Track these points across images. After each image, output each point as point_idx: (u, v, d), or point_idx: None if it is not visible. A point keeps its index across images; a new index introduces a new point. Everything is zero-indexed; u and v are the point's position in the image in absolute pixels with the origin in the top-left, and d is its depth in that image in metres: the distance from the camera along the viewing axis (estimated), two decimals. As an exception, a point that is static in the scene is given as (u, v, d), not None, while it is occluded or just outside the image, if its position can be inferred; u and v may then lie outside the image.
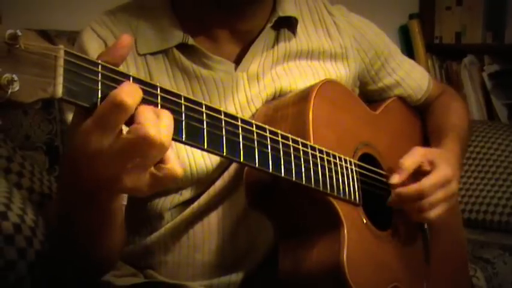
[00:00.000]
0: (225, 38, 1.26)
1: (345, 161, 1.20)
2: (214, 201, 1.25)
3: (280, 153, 1.05)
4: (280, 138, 1.06)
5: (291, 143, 1.08)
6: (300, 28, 1.32)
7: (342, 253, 1.13)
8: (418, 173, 1.29)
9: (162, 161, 0.83)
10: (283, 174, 1.05)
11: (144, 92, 0.82)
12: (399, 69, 1.52)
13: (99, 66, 0.80)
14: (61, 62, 0.76)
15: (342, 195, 1.17)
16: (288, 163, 1.06)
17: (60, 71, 0.76)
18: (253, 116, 1.25)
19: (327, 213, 1.17)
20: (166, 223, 1.27)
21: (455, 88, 1.76)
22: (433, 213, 1.29)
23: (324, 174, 1.13)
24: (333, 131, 1.23)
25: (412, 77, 1.55)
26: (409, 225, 1.35)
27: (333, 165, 1.16)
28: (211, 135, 0.91)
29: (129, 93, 0.78)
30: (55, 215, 1.12)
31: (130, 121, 0.80)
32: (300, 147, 1.10)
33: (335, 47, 1.38)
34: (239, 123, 0.97)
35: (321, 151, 1.14)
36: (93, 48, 1.21)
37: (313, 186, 1.11)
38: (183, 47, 1.23)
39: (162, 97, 0.85)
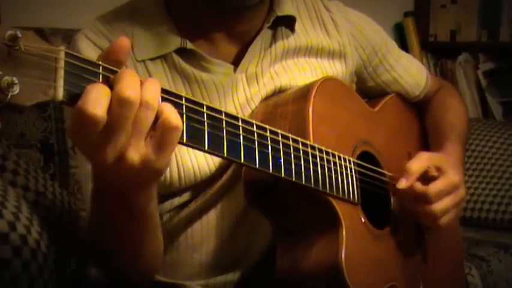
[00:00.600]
0: (222, 40, 1.25)
1: (344, 159, 1.20)
2: (212, 200, 1.25)
3: (280, 154, 1.04)
4: (280, 138, 1.05)
5: (291, 142, 1.08)
6: (297, 25, 1.32)
7: (340, 252, 1.13)
8: (425, 179, 1.29)
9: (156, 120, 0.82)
10: (283, 175, 1.05)
11: None
12: (397, 65, 1.52)
13: (100, 68, 0.79)
14: (62, 63, 0.75)
15: (340, 194, 1.17)
16: (287, 163, 1.06)
17: (61, 73, 0.75)
18: (252, 114, 1.24)
19: (325, 212, 1.16)
20: (165, 224, 1.27)
21: (451, 85, 1.78)
22: (444, 219, 1.29)
23: (323, 174, 1.13)
24: (332, 129, 1.22)
25: (410, 73, 1.55)
26: (407, 224, 1.35)
27: (332, 165, 1.16)
28: (212, 136, 0.90)
29: (96, 102, 0.76)
30: (89, 233, 1.12)
31: None
32: (300, 146, 1.09)
33: (333, 43, 1.38)
34: (240, 123, 0.97)
35: (320, 150, 1.14)
36: (91, 57, 1.19)
37: (312, 185, 1.11)
38: (181, 51, 1.22)
39: (162, 98, 0.84)
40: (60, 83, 0.75)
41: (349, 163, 1.21)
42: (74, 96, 0.76)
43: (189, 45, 1.20)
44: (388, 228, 1.31)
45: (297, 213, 1.19)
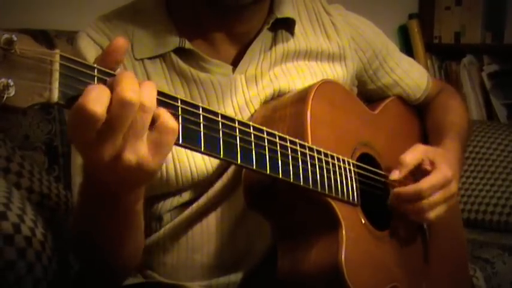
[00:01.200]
0: (221, 40, 1.26)
1: (343, 161, 1.20)
2: (213, 202, 1.25)
3: (277, 155, 1.05)
4: (277, 140, 1.06)
5: (288, 144, 1.08)
6: (297, 28, 1.32)
7: (340, 254, 1.13)
8: (419, 171, 1.29)
9: (153, 120, 0.82)
10: (281, 176, 1.05)
11: None
12: (397, 68, 1.52)
13: (95, 70, 0.80)
14: (57, 66, 0.76)
15: (340, 195, 1.17)
16: (285, 164, 1.06)
17: (56, 75, 0.76)
18: (251, 117, 1.24)
19: (325, 213, 1.17)
20: (166, 224, 1.28)
21: (455, 88, 1.77)
22: (433, 214, 1.29)
23: (322, 175, 1.13)
24: (331, 131, 1.23)
25: (411, 76, 1.55)
26: (408, 224, 1.35)
27: (331, 166, 1.16)
28: (208, 137, 0.91)
29: (97, 100, 0.77)
30: (75, 223, 1.13)
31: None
32: (298, 148, 1.10)
33: (333, 47, 1.38)
34: (236, 125, 0.97)
35: (318, 152, 1.14)
36: (91, 55, 1.20)
37: (311, 187, 1.11)
38: (180, 51, 1.22)
39: (158, 100, 0.85)
40: (56, 85, 0.76)
41: (348, 164, 1.22)
42: (69, 98, 0.77)
43: (188, 44, 1.21)
44: (389, 229, 1.31)
45: (296, 215, 1.20)
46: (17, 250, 1.20)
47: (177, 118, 0.86)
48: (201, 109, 0.91)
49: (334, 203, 1.16)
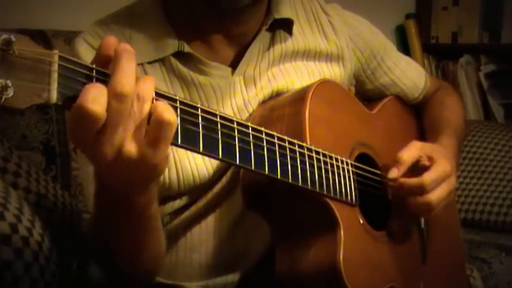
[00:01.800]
0: (220, 42, 1.25)
1: (341, 161, 1.20)
2: (212, 204, 1.25)
3: (276, 155, 1.05)
4: (276, 140, 1.05)
5: (287, 144, 1.08)
6: (295, 29, 1.32)
7: (338, 254, 1.13)
8: (417, 168, 1.29)
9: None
10: (279, 176, 1.05)
11: None
12: (395, 68, 1.52)
13: (94, 71, 0.80)
14: (55, 67, 0.76)
15: (338, 195, 1.17)
16: (284, 165, 1.06)
17: (55, 76, 0.75)
18: (249, 117, 1.24)
19: (323, 214, 1.17)
20: (164, 226, 1.27)
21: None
22: (439, 208, 1.29)
23: (320, 175, 1.13)
24: (330, 131, 1.23)
25: (409, 75, 1.55)
26: (405, 224, 1.35)
27: (329, 166, 1.16)
28: (206, 138, 0.91)
29: (96, 100, 0.76)
30: (94, 233, 1.12)
31: None
32: (296, 148, 1.10)
33: (331, 47, 1.38)
34: (235, 125, 0.97)
35: (317, 152, 1.14)
36: (89, 60, 1.20)
37: (309, 187, 1.11)
38: (179, 55, 1.22)
39: (156, 100, 0.85)
40: (54, 85, 0.75)
41: (346, 165, 1.21)
42: (68, 99, 0.77)
43: (187, 48, 1.21)
44: (387, 229, 1.32)
45: (294, 215, 1.20)
46: (14, 250, 1.20)
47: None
48: (199, 109, 0.91)
49: (332, 203, 1.16)
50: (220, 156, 0.93)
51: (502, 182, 2.50)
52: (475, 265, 2.09)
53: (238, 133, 0.97)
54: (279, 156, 1.05)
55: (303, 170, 1.10)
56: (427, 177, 1.27)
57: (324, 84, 1.25)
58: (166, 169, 1.18)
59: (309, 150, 1.13)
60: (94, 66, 0.80)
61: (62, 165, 1.78)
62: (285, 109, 1.21)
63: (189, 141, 0.88)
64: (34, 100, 0.74)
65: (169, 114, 0.81)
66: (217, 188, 1.24)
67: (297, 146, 1.10)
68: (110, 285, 1.26)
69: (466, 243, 2.13)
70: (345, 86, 1.40)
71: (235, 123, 0.97)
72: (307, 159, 1.11)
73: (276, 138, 1.06)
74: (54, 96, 0.75)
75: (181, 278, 1.29)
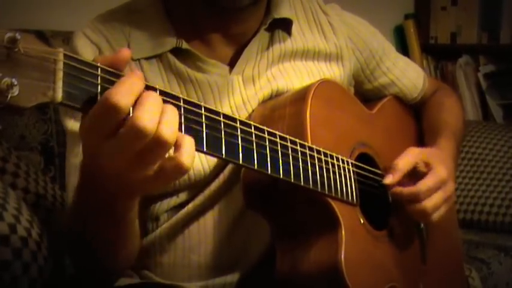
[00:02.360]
0: (218, 41, 1.25)
1: (342, 161, 1.20)
2: (209, 202, 1.25)
3: (278, 155, 1.04)
4: (278, 139, 1.05)
5: (289, 144, 1.08)
6: (294, 28, 1.32)
7: (339, 253, 1.13)
8: (414, 174, 1.30)
9: (174, 147, 0.81)
10: (281, 176, 1.05)
11: None
12: (394, 68, 1.52)
13: (99, 69, 0.79)
14: (60, 65, 0.75)
15: (339, 195, 1.17)
16: (286, 164, 1.06)
17: (60, 74, 0.75)
18: (249, 116, 1.24)
19: (324, 213, 1.17)
20: (162, 224, 1.27)
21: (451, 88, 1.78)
22: (436, 215, 1.30)
23: (321, 175, 1.13)
24: (330, 131, 1.23)
25: (408, 76, 1.55)
26: (405, 225, 1.35)
27: (330, 166, 1.16)
28: (210, 137, 0.90)
29: (123, 94, 0.76)
30: (69, 224, 1.12)
31: None
32: (298, 148, 1.10)
33: (330, 47, 1.38)
34: (238, 124, 0.97)
35: (318, 151, 1.14)
36: (87, 54, 1.20)
37: (311, 187, 1.11)
38: (177, 51, 1.22)
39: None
40: (59, 84, 0.75)
41: (347, 164, 1.22)
42: (73, 98, 0.77)
43: (185, 45, 1.21)
44: (387, 229, 1.32)
45: (296, 214, 1.19)
46: (13, 250, 1.20)
47: (180, 118, 0.85)
48: (203, 109, 0.90)
49: (333, 203, 1.16)
50: (224, 156, 0.93)
51: (500, 182, 2.51)
52: (473, 265, 2.09)
53: (241, 132, 0.97)
54: (281, 156, 1.05)
55: (305, 170, 1.10)
56: (422, 185, 1.28)
57: (324, 84, 1.25)
58: None
59: (311, 149, 1.13)
60: (99, 64, 0.80)
61: (60, 166, 1.77)
62: (286, 109, 1.21)
63: (194, 142, 0.88)
64: (39, 99, 0.74)
65: (188, 163, 0.81)
66: (214, 185, 1.24)
67: (298, 145, 1.10)
68: (81, 276, 1.26)
69: (464, 244, 2.13)
70: (344, 86, 1.40)
71: (238, 122, 0.97)
72: (308, 158, 1.11)
73: (278, 137, 1.06)
74: (59, 95, 0.75)
75: (180, 279, 1.29)
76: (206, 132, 0.90)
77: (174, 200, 1.26)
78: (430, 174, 1.29)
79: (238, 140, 0.96)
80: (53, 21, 1.92)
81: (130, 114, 0.77)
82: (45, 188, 1.63)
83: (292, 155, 1.08)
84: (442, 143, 1.44)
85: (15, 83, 0.71)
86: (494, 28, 3.05)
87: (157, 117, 0.79)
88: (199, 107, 0.90)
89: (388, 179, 1.27)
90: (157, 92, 0.84)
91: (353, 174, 1.23)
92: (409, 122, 1.59)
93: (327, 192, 1.14)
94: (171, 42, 1.21)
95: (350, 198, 1.20)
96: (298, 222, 1.20)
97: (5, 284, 1.17)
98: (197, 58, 1.23)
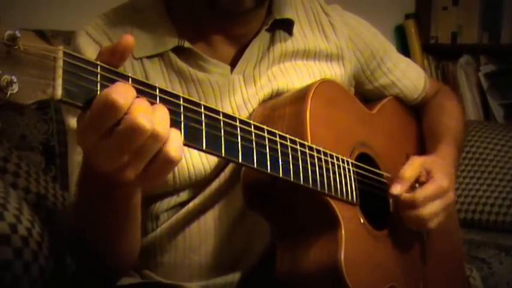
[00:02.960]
0: (220, 41, 1.26)
1: (342, 160, 1.20)
2: (210, 201, 1.25)
3: (278, 154, 1.04)
4: (278, 139, 1.05)
5: (288, 143, 1.08)
6: (296, 29, 1.32)
7: (339, 253, 1.13)
8: (416, 182, 1.30)
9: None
10: (281, 175, 1.05)
11: (142, 92, 0.82)
12: (395, 69, 1.52)
13: (98, 67, 0.80)
14: (60, 63, 0.75)
15: (339, 195, 1.17)
16: (286, 163, 1.06)
17: (60, 72, 0.75)
18: (250, 116, 1.24)
19: (324, 213, 1.17)
20: (162, 224, 1.27)
21: (452, 88, 1.78)
22: (433, 223, 1.30)
23: (321, 174, 1.13)
24: (330, 131, 1.23)
25: (408, 76, 1.56)
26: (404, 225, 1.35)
27: (330, 165, 1.16)
28: (210, 136, 0.91)
29: (121, 93, 0.77)
30: (70, 221, 1.12)
31: None
32: (298, 147, 1.10)
33: (331, 47, 1.38)
34: (237, 123, 0.97)
35: (318, 151, 1.14)
36: (89, 52, 1.20)
37: (310, 186, 1.11)
38: (178, 50, 1.23)
39: (160, 98, 0.85)
40: (59, 81, 0.75)
41: (347, 164, 1.22)
42: (72, 95, 0.77)
43: (187, 44, 1.21)
44: (387, 229, 1.32)
45: (295, 214, 1.19)
46: (14, 250, 1.20)
47: (179, 116, 0.86)
48: (202, 107, 0.91)
49: (333, 203, 1.16)
50: (223, 155, 0.93)
51: (501, 182, 2.50)
52: (474, 265, 2.09)
53: (240, 131, 0.97)
54: (281, 155, 1.05)
55: (305, 169, 1.10)
56: (420, 193, 1.28)
57: (325, 83, 1.26)
58: None
59: (311, 149, 1.13)
60: (99, 62, 0.80)
61: (61, 166, 1.77)
62: (286, 109, 1.21)
63: (193, 140, 0.88)
64: (39, 96, 0.74)
65: (176, 153, 0.83)
66: (215, 184, 1.24)
67: (298, 144, 1.10)
68: (83, 276, 1.26)
69: (465, 243, 2.13)
70: (345, 86, 1.40)
71: (237, 121, 0.97)
72: (308, 158, 1.11)
73: (277, 136, 1.06)
74: (59, 92, 0.75)
75: (181, 278, 1.29)
76: (206, 131, 0.90)
77: (174, 199, 1.26)
78: (429, 183, 1.30)
79: (237, 139, 0.96)
80: (54, 21, 1.93)
81: (128, 114, 0.78)
82: (46, 188, 1.63)
83: (291, 154, 1.08)
84: (443, 149, 1.44)
85: (15, 80, 0.71)
86: (495, 28, 3.05)
87: (152, 115, 0.80)
88: (199, 105, 0.90)
89: (396, 189, 1.27)
90: (157, 90, 0.85)
91: (353, 174, 1.23)
92: (409, 123, 1.59)
93: (326, 191, 1.14)
94: (173, 41, 1.22)
95: (350, 198, 1.20)
96: (298, 222, 1.20)
97: (5, 283, 1.17)
98: (199, 57, 1.23)
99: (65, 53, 0.76)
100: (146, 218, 1.28)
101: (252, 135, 1.00)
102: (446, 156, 1.42)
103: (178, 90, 1.23)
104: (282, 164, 1.05)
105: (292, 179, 1.07)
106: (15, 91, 0.71)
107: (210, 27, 1.24)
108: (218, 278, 1.28)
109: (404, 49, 3.12)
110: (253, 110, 1.26)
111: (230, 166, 1.23)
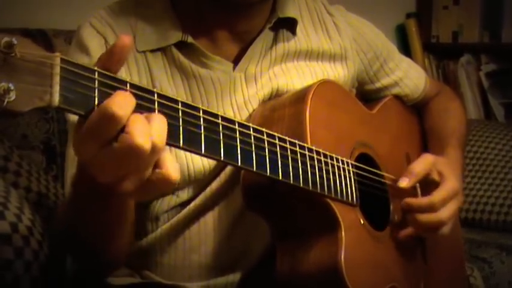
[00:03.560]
0: (224, 38, 1.26)
1: (342, 161, 1.20)
2: (210, 202, 1.25)
3: (277, 156, 1.04)
4: (277, 141, 1.05)
5: (288, 145, 1.08)
6: (299, 28, 1.32)
7: (339, 254, 1.13)
8: (425, 181, 1.30)
9: (157, 165, 0.82)
10: (280, 178, 1.05)
11: (141, 98, 0.82)
12: (397, 69, 1.52)
13: (96, 73, 0.79)
14: (57, 69, 0.75)
15: (339, 196, 1.17)
16: (285, 166, 1.06)
17: (57, 79, 0.75)
18: (250, 117, 1.24)
19: (324, 214, 1.17)
20: (162, 224, 1.27)
21: (453, 87, 1.78)
22: (448, 227, 1.30)
23: (321, 176, 1.13)
24: (330, 132, 1.23)
25: (410, 76, 1.56)
26: (405, 225, 1.35)
27: (330, 167, 1.16)
28: (208, 140, 0.90)
29: (120, 105, 0.77)
30: (64, 216, 1.12)
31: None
32: (298, 149, 1.10)
33: (334, 47, 1.38)
34: (236, 127, 0.97)
35: (318, 153, 1.14)
36: (93, 44, 1.20)
37: (310, 188, 1.11)
38: (181, 46, 1.23)
39: (159, 103, 0.84)
40: (56, 88, 0.75)
41: (347, 165, 1.21)
42: (70, 102, 0.76)
43: (190, 39, 1.21)
44: (388, 229, 1.32)
45: (295, 216, 1.19)
46: (15, 249, 1.20)
47: (177, 121, 0.86)
48: (201, 111, 0.90)
49: (333, 204, 1.16)
50: (222, 158, 0.93)
51: (502, 181, 2.50)
52: (475, 265, 2.08)
53: (239, 134, 0.97)
54: (280, 157, 1.05)
55: (304, 171, 1.10)
56: (438, 195, 1.28)
57: (324, 84, 1.25)
58: None
59: (310, 150, 1.12)
60: (96, 68, 0.80)
61: (62, 165, 1.77)
62: (286, 109, 1.21)
63: (191, 144, 0.88)
64: (36, 103, 0.73)
65: (175, 175, 0.83)
66: (215, 185, 1.24)
67: (297, 146, 1.10)
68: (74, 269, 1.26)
69: (466, 243, 2.13)
70: (347, 87, 1.40)
71: (236, 124, 0.97)
72: (308, 160, 1.11)
73: (277, 139, 1.05)
74: (56, 99, 0.75)
75: (180, 279, 1.29)
76: (204, 135, 0.90)
77: (174, 200, 1.26)
78: (444, 185, 1.30)
79: (236, 142, 0.96)
80: (55, 20, 1.93)
81: (126, 131, 0.78)
82: (47, 187, 1.63)
83: (291, 157, 1.07)
84: (451, 153, 1.45)
85: (12, 87, 0.70)
86: (496, 27, 3.04)
87: (149, 130, 0.79)
88: (197, 109, 0.90)
89: (404, 183, 1.27)
90: (156, 95, 0.84)
91: (353, 175, 1.23)
92: (409, 122, 1.59)
93: (326, 193, 1.14)
94: (176, 35, 1.22)
95: (350, 199, 1.20)
96: (298, 224, 1.20)
97: (6, 283, 1.18)
98: (201, 53, 1.23)
99: (62, 60, 0.76)
100: (146, 219, 1.28)
101: (251, 139, 0.99)
102: (455, 159, 1.43)
103: (180, 86, 1.23)
104: (281, 167, 1.05)
105: (291, 182, 1.07)
106: (12, 99, 0.71)
107: (214, 22, 1.24)
108: (218, 279, 1.28)
109: (405, 48, 3.11)
110: (253, 111, 1.26)
111: (230, 166, 1.23)
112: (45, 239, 1.30)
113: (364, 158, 1.30)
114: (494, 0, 3.05)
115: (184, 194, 1.25)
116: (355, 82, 1.47)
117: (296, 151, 1.09)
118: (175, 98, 0.87)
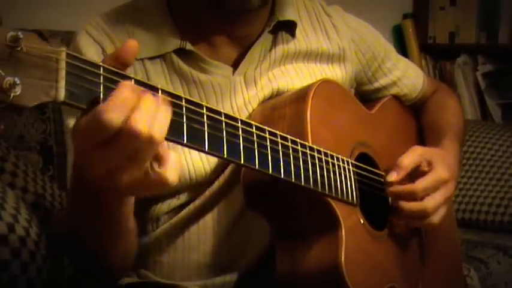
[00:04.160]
0: (222, 42, 1.25)
1: (342, 161, 1.20)
2: (210, 202, 1.25)
3: (279, 155, 1.04)
4: (279, 139, 1.05)
5: (289, 143, 1.08)
6: (298, 30, 1.32)
7: (339, 254, 1.13)
8: (416, 173, 1.29)
9: (159, 162, 0.81)
10: (282, 176, 1.05)
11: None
12: (395, 69, 1.52)
13: (101, 69, 0.79)
14: (63, 64, 0.75)
15: (339, 195, 1.17)
16: (287, 164, 1.06)
17: (62, 73, 0.74)
18: (250, 116, 1.24)
19: (324, 213, 1.16)
20: (162, 224, 1.27)
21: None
22: (437, 217, 1.30)
23: (322, 175, 1.13)
24: (330, 131, 1.23)
25: (408, 76, 1.56)
26: (405, 225, 1.35)
27: (330, 166, 1.16)
28: (212, 137, 0.90)
29: (118, 109, 0.75)
30: (64, 221, 1.12)
31: None
32: (299, 148, 1.10)
33: (333, 48, 1.38)
34: (239, 124, 0.97)
35: (319, 151, 1.14)
36: (90, 53, 1.20)
37: (311, 187, 1.11)
38: (180, 52, 1.22)
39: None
40: (62, 83, 0.74)
41: (347, 164, 1.21)
42: (75, 97, 0.76)
43: (189, 46, 1.21)
44: (387, 229, 1.31)
45: (296, 215, 1.19)
46: (11, 250, 1.20)
47: (181, 117, 0.86)
48: (205, 108, 0.90)
49: (333, 203, 1.16)
50: (225, 156, 0.93)
51: (499, 182, 2.51)
52: (472, 265, 2.09)
53: (242, 132, 0.97)
54: (282, 156, 1.05)
55: (305, 170, 1.10)
56: (419, 184, 1.28)
57: (325, 83, 1.25)
58: None
59: (311, 149, 1.12)
60: (101, 64, 0.79)
61: (59, 165, 1.77)
62: (286, 109, 1.21)
63: (195, 141, 0.88)
64: (42, 98, 0.73)
65: (174, 178, 0.82)
66: (215, 186, 1.24)
67: (299, 145, 1.10)
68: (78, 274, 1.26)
69: (463, 243, 2.13)
70: (346, 87, 1.40)
71: (239, 122, 0.97)
72: (309, 158, 1.11)
73: (279, 137, 1.05)
74: (61, 94, 0.75)
75: (179, 278, 1.28)
76: (208, 133, 0.90)
77: (174, 202, 1.25)
78: (430, 174, 1.30)
79: (239, 140, 0.96)
80: (52, 21, 1.92)
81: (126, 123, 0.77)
82: (44, 188, 1.63)
83: (293, 155, 1.07)
84: (446, 144, 1.44)
85: (18, 82, 0.70)
86: (492, 28, 3.05)
87: (151, 119, 0.78)
88: (201, 106, 0.90)
89: (392, 177, 1.27)
90: (160, 92, 0.84)
91: (353, 174, 1.23)
92: (408, 122, 1.59)
93: (327, 192, 1.14)
94: (175, 42, 1.21)
95: (350, 198, 1.20)
96: (299, 223, 1.20)
97: (3, 283, 1.17)
98: (201, 59, 1.23)
99: (67, 55, 0.75)
100: (146, 220, 1.28)
101: (253, 136, 0.99)
102: (449, 149, 1.42)
103: (179, 92, 1.22)
104: (283, 165, 1.05)
105: (293, 180, 1.07)
106: (18, 93, 0.70)
107: (212, 28, 1.24)
108: (216, 278, 1.28)
109: (402, 49, 3.12)
110: (253, 110, 1.25)
111: (230, 167, 1.23)
112: (42, 239, 1.30)
113: (363, 158, 1.30)
114: (490, 1, 3.06)
115: (184, 196, 1.25)
116: (354, 82, 1.47)
117: (298, 149, 1.09)
118: (179, 94, 0.87)
